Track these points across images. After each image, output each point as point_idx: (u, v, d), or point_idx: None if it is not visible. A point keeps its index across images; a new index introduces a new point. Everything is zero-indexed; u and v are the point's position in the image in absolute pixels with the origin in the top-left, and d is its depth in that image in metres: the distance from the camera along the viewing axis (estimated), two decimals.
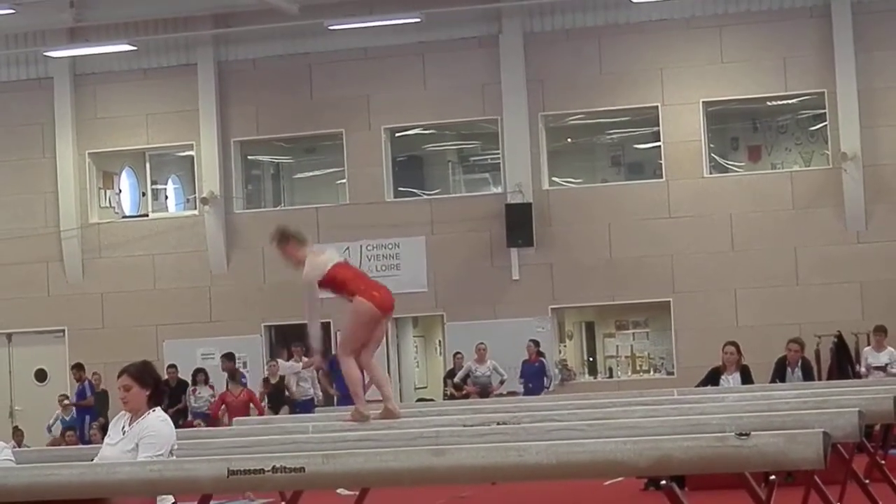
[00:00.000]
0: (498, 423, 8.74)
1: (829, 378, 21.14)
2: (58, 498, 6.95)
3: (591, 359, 26.88)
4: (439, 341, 27.33)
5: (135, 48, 26.98)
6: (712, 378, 16.31)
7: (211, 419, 23.70)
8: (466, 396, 22.75)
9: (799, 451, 6.04)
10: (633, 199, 25.75)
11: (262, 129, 27.35)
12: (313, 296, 10.02)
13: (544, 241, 25.84)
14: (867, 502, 10.00)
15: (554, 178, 26.57)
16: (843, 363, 22.49)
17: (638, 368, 26.51)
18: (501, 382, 24.08)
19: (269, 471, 6.54)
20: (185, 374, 25.39)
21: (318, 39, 26.60)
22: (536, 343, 24.55)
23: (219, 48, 27.22)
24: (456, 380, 24.38)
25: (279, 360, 24.87)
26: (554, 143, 26.75)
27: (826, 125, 25.25)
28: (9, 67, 27.98)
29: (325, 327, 26.05)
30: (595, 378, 26.39)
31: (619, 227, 25.60)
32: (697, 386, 15.50)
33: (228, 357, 25.09)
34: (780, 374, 17.79)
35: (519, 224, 25.64)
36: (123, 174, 28.41)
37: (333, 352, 23.51)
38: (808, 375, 17.95)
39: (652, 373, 26.24)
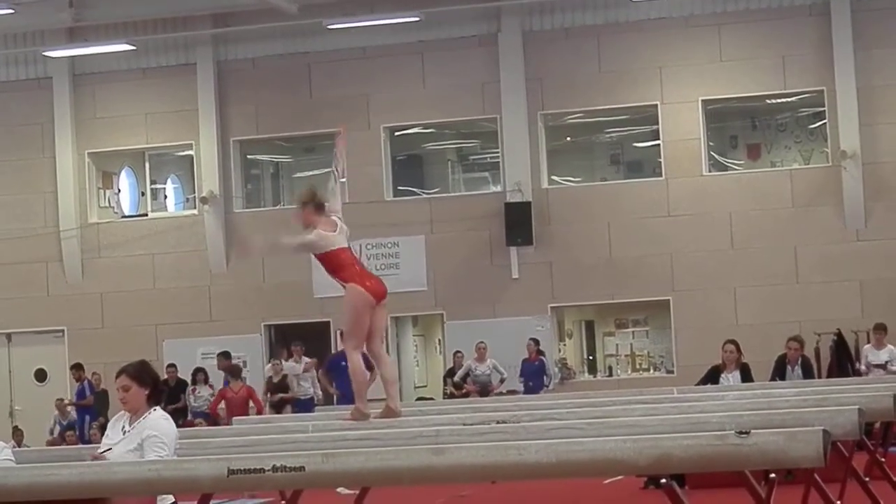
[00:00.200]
0: (498, 422, 8.75)
1: (829, 376, 21.18)
2: (58, 498, 6.93)
3: (590, 357, 26.87)
4: (439, 340, 27.31)
5: (134, 48, 26.97)
6: (712, 376, 16.29)
7: (211, 417, 23.75)
8: (466, 395, 22.74)
9: (799, 449, 6.03)
10: (632, 197, 25.73)
11: (261, 128, 27.33)
12: (290, 251, 10.27)
13: (544, 240, 25.82)
14: (867, 500, 10.00)
15: (553, 177, 26.55)
16: (843, 361, 22.51)
17: (638, 367, 26.48)
18: (501, 381, 24.07)
19: (269, 470, 6.54)
20: (186, 374, 25.40)
21: (317, 39, 26.59)
22: (536, 342, 24.54)
23: (218, 48, 27.21)
24: (456, 379, 24.36)
25: (281, 361, 24.86)
26: (553, 142, 26.73)
27: (825, 123, 25.24)
28: (8, 67, 27.96)
29: (325, 327, 26.32)
30: (595, 377, 26.38)
31: (619, 226, 25.59)
32: (697, 384, 15.51)
33: (224, 355, 25.11)
34: (779, 373, 17.78)
35: (518, 223, 25.62)
36: (123, 174, 28.39)
37: (333, 351, 23.58)
38: (807, 373, 17.94)
39: (652, 371, 26.22)
